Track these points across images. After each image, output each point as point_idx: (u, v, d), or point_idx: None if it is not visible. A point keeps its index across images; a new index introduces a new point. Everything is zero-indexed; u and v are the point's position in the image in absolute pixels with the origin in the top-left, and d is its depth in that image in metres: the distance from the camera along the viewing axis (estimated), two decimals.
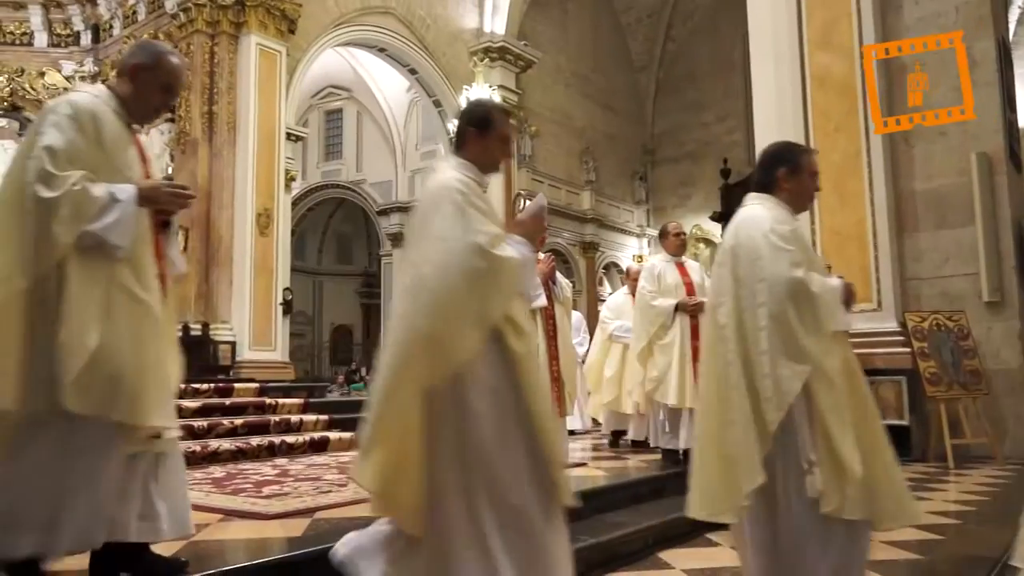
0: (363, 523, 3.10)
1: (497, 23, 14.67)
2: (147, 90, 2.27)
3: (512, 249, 2.12)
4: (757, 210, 2.50)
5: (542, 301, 4.92)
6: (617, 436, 6.45)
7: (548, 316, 4.98)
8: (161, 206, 2.22)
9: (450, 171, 2.24)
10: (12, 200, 2.07)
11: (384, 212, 17.22)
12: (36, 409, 1.99)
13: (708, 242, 17.51)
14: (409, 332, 2.03)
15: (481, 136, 2.30)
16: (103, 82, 2.29)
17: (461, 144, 2.34)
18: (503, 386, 2.06)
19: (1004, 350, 6.90)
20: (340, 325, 21.49)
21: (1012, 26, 13.31)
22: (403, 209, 16.76)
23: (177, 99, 2.41)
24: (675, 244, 5.35)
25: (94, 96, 2.22)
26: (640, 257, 17.45)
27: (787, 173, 2.52)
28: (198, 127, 10.35)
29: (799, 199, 2.55)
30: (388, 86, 16.54)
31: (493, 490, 1.99)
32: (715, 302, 2.50)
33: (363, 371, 17.86)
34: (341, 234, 21.61)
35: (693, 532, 3.56)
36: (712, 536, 3.61)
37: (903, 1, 7.42)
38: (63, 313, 1.99)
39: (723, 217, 14.38)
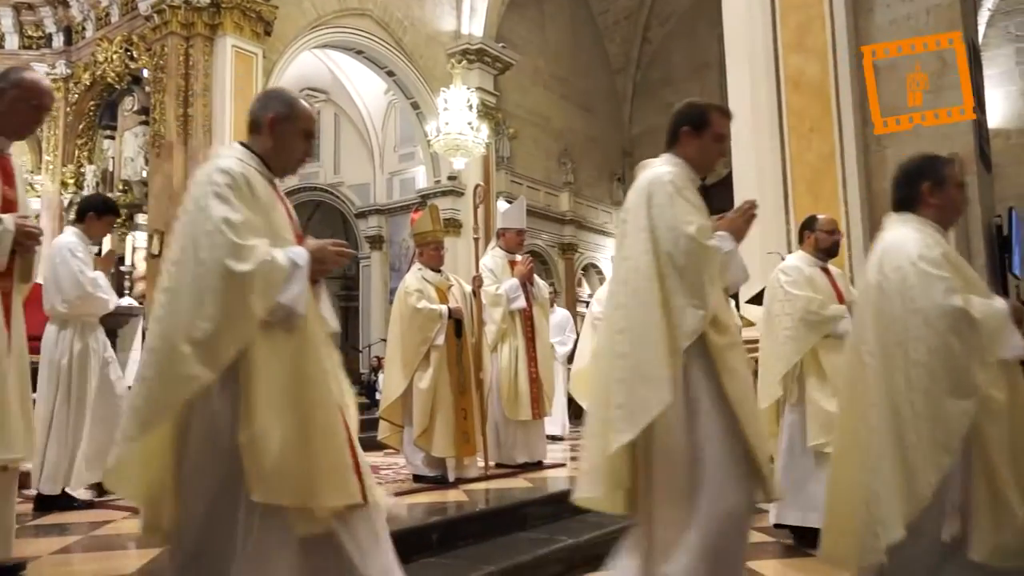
0: None
1: (475, 25, 14.66)
2: (289, 141, 2.15)
3: (718, 241, 2.18)
4: (902, 233, 2.29)
5: (521, 303, 4.93)
6: None
7: (527, 317, 4.98)
8: (328, 267, 2.10)
9: (661, 166, 2.29)
10: (192, 284, 1.86)
11: (362, 215, 17.14)
12: None
13: None
14: (626, 322, 2.15)
15: (696, 135, 2.33)
16: (239, 143, 2.15)
17: (674, 142, 2.37)
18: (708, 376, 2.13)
19: None
20: None
21: (982, 28, 13.52)
22: (381, 212, 16.69)
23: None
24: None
25: (238, 159, 2.07)
26: None
27: (932, 187, 2.34)
28: (173, 130, 10.25)
29: (947, 214, 2.37)
30: (366, 88, 16.48)
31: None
32: (857, 340, 2.32)
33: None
34: (319, 237, 21.29)
35: None
36: None
37: (875, 4, 7.52)
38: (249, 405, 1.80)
39: None
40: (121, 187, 11.09)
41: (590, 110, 19.06)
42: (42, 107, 2.41)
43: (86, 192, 11.31)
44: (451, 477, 4.25)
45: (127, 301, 7.52)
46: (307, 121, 2.17)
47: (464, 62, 14.37)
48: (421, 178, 15.76)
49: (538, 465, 4.96)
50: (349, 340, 20.59)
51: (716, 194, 14.74)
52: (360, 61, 14.05)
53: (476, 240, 4.95)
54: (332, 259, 2.08)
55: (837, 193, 7.18)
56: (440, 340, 4.28)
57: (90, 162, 11.72)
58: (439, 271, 4.63)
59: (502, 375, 4.81)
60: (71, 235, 4.11)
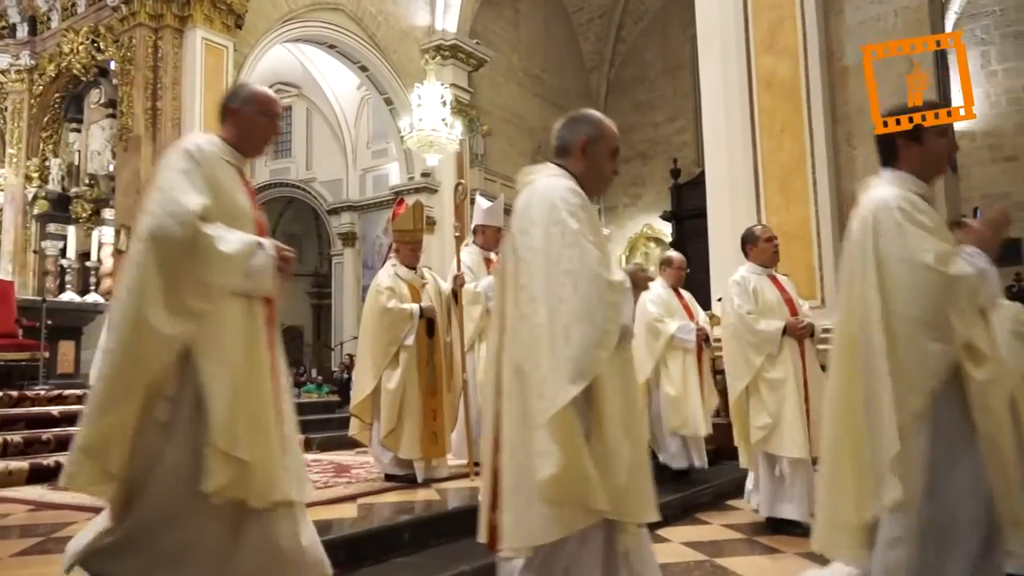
0: (316, 527, 3.06)
1: (449, 21, 14.60)
2: (600, 161, 2.22)
3: (965, 263, 1.98)
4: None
5: None
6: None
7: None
8: None
9: (886, 188, 2.14)
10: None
11: (335, 211, 17.00)
12: None
13: (658, 241, 17.70)
14: (885, 362, 1.97)
15: (918, 144, 2.22)
16: (558, 166, 2.20)
17: (893, 157, 2.24)
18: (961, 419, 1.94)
19: None
20: (290, 326, 21.14)
21: (948, 31, 13.75)
22: (354, 208, 16.57)
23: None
24: (768, 252, 4.25)
25: (567, 185, 2.11)
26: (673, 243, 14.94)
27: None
28: (141, 123, 10.08)
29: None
30: (338, 83, 16.34)
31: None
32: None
33: (313, 372, 17.61)
34: (291, 233, 21.24)
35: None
36: (661, 532, 3.65)
37: (844, 5, 7.61)
38: None
39: (674, 216, 14.57)
40: (87, 181, 10.88)
41: (564, 108, 18.96)
42: (276, 115, 2.38)
43: (51, 186, 11.10)
44: (419, 477, 4.20)
45: (93, 298, 7.38)
46: (614, 138, 2.26)
47: (438, 58, 14.31)
48: (394, 175, 15.68)
49: None
50: (321, 338, 20.44)
51: (687, 193, 14.87)
52: (333, 56, 13.93)
53: (458, 238, 4.88)
54: None
55: (807, 193, 7.27)
56: (410, 341, 4.21)
57: (55, 155, 11.49)
58: (414, 268, 4.54)
59: (481, 374, 4.76)
60: None
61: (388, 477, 4.26)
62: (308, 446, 5.92)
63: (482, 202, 5.26)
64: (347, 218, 16.58)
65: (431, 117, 11.87)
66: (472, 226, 5.28)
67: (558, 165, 2.18)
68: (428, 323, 4.34)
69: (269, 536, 2.01)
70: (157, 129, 10.15)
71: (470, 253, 5.10)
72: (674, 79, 18.49)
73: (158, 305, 1.89)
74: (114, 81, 10.60)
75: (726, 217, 7.58)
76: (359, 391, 4.24)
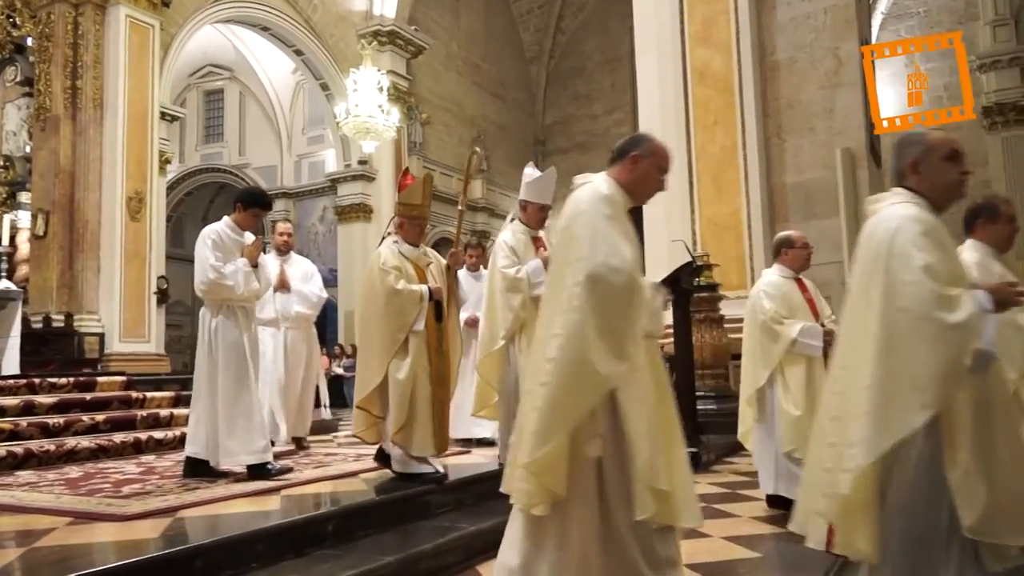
0: (236, 519, 2.96)
1: (387, 6, 14.38)
2: (936, 174, 2.15)
3: (972, 304, 1.91)
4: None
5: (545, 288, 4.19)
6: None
7: None
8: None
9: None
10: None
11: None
12: None
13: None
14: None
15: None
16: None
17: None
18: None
19: None
20: None
21: (875, 31, 14.20)
22: (289, 195, 16.20)
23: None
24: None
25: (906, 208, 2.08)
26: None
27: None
28: (60, 103, 9.63)
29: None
30: (273, 67, 15.93)
31: None
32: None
33: None
34: (219, 220, 20.67)
35: None
36: None
37: (776, 2, 7.76)
38: None
39: None
40: (2, 163, 10.34)
41: (503, 98, 19.03)
42: (666, 172, 2.38)
43: None
44: (440, 470, 3.78)
45: (3, 284, 7.01)
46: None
47: (375, 43, 14.07)
48: (331, 161, 15.39)
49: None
50: None
51: None
52: (266, 38, 13.56)
53: (460, 212, 4.26)
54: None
55: (739, 184, 7.40)
56: (419, 326, 3.73)
57: None
58: (417, 246, 3.99)
59: (523, 371, 3.67)
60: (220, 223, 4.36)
61: (403, 476, 3.78)
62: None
63: (530, 172, 4.46)
64: (281, 205, 16.18)
65: (368, 103, 11.67)
66: (519, 199, 4.47)
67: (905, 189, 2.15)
68: (436, 306, 3.84)
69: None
70: (77, 109, 9.72)
71: (514, 232, 4.39)
72: (613, 71, 18.62)
73: (599, 348, 2.06)
74: (31, 59, 10.09)
75: (659, 209, 7.65)
76: (365, 382, 3.76)
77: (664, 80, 7.82)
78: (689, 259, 5.89)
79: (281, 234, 5.72)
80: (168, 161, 12.22)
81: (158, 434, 5.42)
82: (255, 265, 4.24)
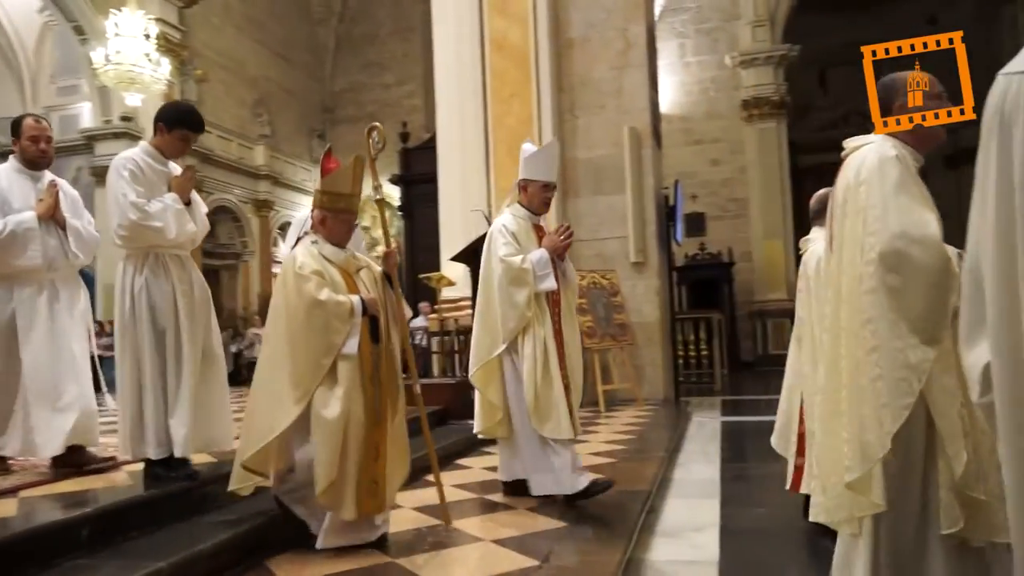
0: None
1: None
2: None
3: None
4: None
5: (551, 283, 3.60)
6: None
7: (555, 303, 3.69)
8: None
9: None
10: None
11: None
12: None
13: (388, 205, 17.49)
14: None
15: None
16: None
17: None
18: None
19: (645, 306, 7.78)
20: None
21: (657, 15, 15.10)
22: None
23: None
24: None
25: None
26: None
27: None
28: None
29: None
30: (12, 3, 13.80)
31: None
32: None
33: None
34: None
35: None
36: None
37: None
38: None
39: (402, 180, 14.41)
40: None
41: (289, 60, 17.98)
42: (943, 103, 2.13)
43: None
44: (373, 536, 2.97)
45: None
46: None
47: None
48: (87, 116, 13.67)
49: None
50: None
51: (417, 158, 14.71)
52: None
53: (379, 202, 3.52)
54: None
55: None
56: (352, 348, 2.92)
57: None
58: (342, 248, 3.15)
59: (527, 378, 3.53)
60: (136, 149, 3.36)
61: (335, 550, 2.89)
62: None
63: (528, 147, 3.87)
64: None
65: (132, 51, 10.43)
66: (518, 180, 3.85)
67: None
68: (371, 322, 3.04)
69: None
70: None
71: (514, 216, 3.77)
72: (405, 41, 18.26)
73: (913, 337, 1.90)
74: None
75: (456, 179, 7.55)
76: (268, 426, 2.84)
77: (461, 50, 7.70)
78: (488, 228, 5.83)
79: (36, 139, 3.89)
80: None
81: None
82: (188, 203, 3.30)
